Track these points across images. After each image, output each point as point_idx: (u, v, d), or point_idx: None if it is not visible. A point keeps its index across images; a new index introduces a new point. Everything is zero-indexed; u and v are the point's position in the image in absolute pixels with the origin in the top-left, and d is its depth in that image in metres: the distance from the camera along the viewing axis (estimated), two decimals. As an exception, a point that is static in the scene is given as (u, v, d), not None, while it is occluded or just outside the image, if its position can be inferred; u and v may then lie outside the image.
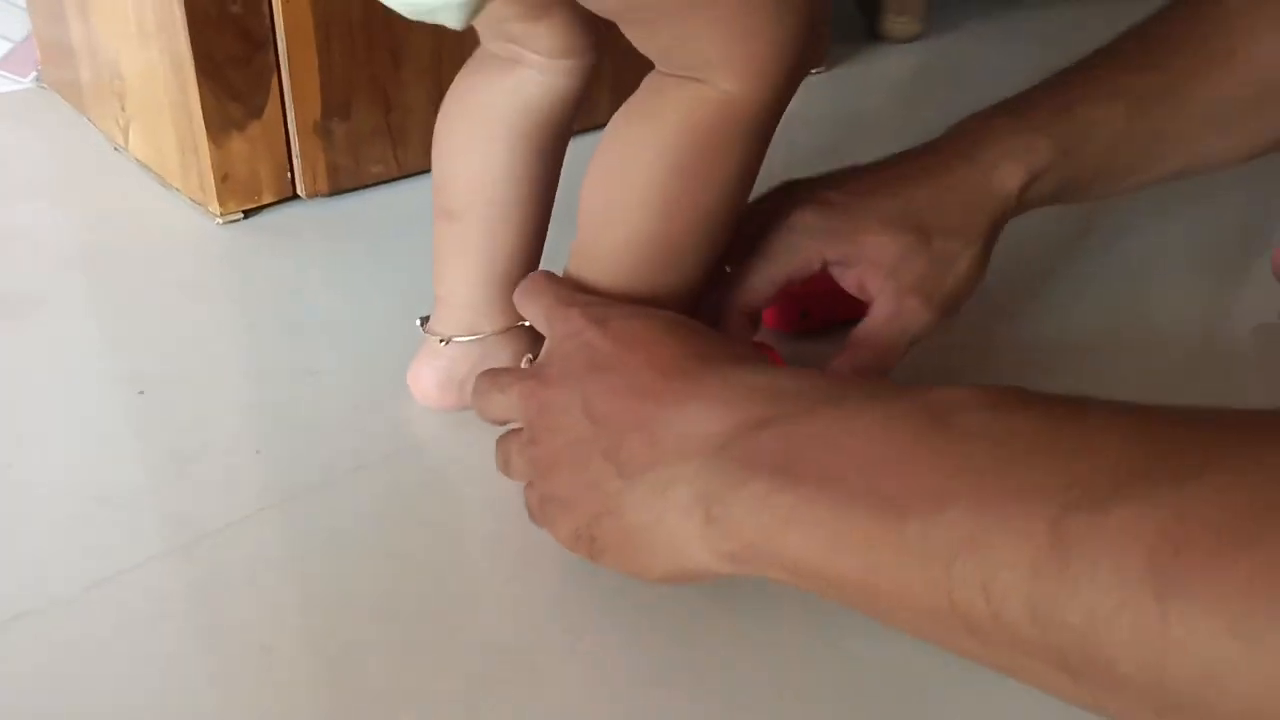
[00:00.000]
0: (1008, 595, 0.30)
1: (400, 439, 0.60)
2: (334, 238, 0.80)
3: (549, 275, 0.54)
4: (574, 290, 0.51)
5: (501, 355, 0.60)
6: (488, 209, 0.58)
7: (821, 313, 0.70)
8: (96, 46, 0.87)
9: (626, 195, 0.50)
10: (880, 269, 0.58)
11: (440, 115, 0.58)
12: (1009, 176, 0.59)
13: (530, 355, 0.60)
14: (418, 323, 0.61)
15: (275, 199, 0.81)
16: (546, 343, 0.51)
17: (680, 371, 0.44)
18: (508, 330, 0.60)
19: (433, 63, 0.82)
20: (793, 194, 0.60)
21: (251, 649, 0.47)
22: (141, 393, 0.62)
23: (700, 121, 0.48)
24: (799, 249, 0.58)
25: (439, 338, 0.60)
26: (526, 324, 0.60)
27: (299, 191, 0.82)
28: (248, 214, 0.81)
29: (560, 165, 0.59)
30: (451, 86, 0.58)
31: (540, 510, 0.49)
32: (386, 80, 0.81)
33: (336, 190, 0.83)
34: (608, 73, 0.91)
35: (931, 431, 0.35)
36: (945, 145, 0.61)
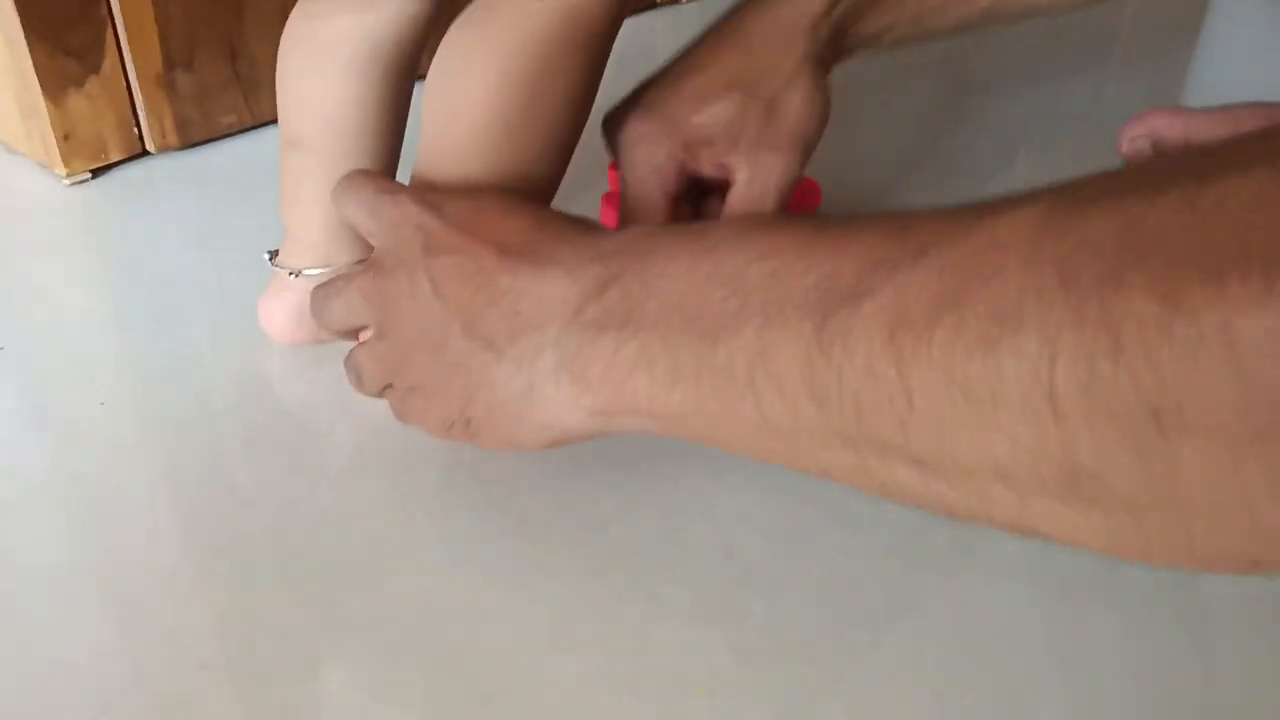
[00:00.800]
0: (797, 394, 0.34)
1: (253, 380, 0.60)
2: (187, 191, 0.79)
3: (364, 171, 0.53)
4: (395, 181, 0.51)
5: None
6: (336, 139, 0.57)
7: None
8: (-70, 14, 0.85)
9: (464, 104, 0.50)
10: (722, 141, 0.59)
11: (282, 42, 0.57)
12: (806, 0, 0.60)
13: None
14: (266, 257, 0.61)
15: (124, 156, 0.80)
16: (376, 234, 0.50)
17: (526, 244, 0.45)
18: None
19: (277, 11, 0.81)
20: (620, 113, 0.60)
21: (103, 600, 0.47)
22: (11, 332, 0.62)
23: (535, 32, 0.48)
24: (649, 160, 0.59)
25: (289, 271, 0.60)
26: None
27: (148, 147, 0.81)
28: (95, 173, 0.79)
29: (410, 91, 0.58)
30: (293, 12, 0.56)
31: (404, 407, 0.49)
32: (231, 30, 0.80)
33: (188, 144, 0.82)
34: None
35: (726, 260, 0.38)
36: (739, 6, 0.62)
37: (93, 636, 0.45)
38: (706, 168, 0.60)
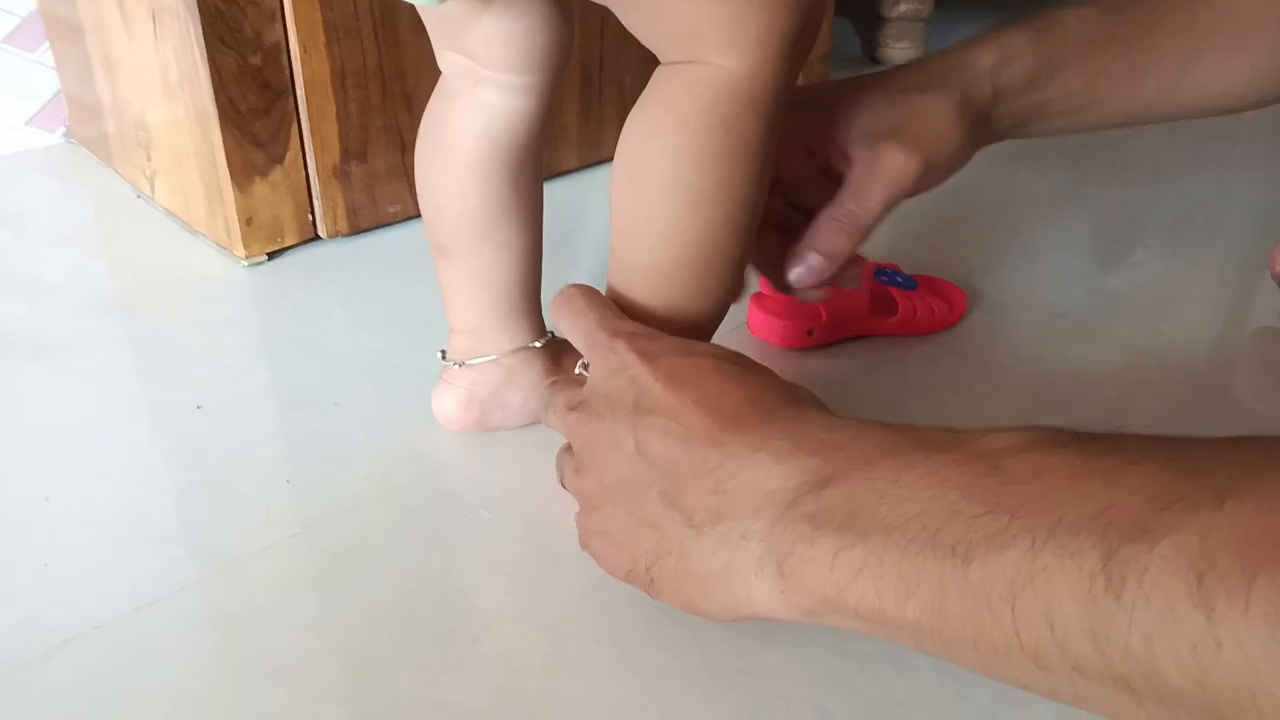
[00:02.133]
0: (1070, 628, 0.32)
1: (423, 462, 0.62)
2: (355, 275, 0.83)
3: (587, 292, 0.54)
4: (616, 314, 0.52)
5: (518, 375, 0.63)
6: (476, 242, 0.60)
7: (827, 330, 0.72)
8: (122, 102, 0.91)
9: (647, 196, 0.51)
10: (852, 127, 0.60)
11: (416, 154, 0.60)
12: (979, 54, 0.61)
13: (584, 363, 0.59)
14: (439, 355, 0.64)
15: (298, 240, 0.85)
16: (590, 372, 0.51)
17: (739, 420, 0.44)
18: (520, 351, 0.62)
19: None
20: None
21: (285, 670, 0.49)
22: (199, 407, 0.65)
23: (705, 104, 0.48)
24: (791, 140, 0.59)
25: (455, 363, 0.63)
26: (540, 344, 0.63)
27: (320, 232, 0.85)
28: (271, 256, 0.84)
29: (540, 183, 0.61)
30: (421, 124, 0.60)
31: (589, 539, 0.50)
32: (401, 123, 0.84)
33: (356, 230, 0.86)
34: (611, 109, 0.94)
35: (983, 478, 0.37)
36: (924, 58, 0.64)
37: (274, 704, 0.47)
38: (833, 156, 0.60)
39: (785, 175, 0.61)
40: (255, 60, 0.78)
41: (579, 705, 0.47)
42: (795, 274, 0.61)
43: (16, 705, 0.47)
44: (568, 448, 0.53)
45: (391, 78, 0.83)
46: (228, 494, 0.60)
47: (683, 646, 0.50)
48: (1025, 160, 0.87)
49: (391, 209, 0.87)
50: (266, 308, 0.79)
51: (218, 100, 0.77)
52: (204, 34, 0.75)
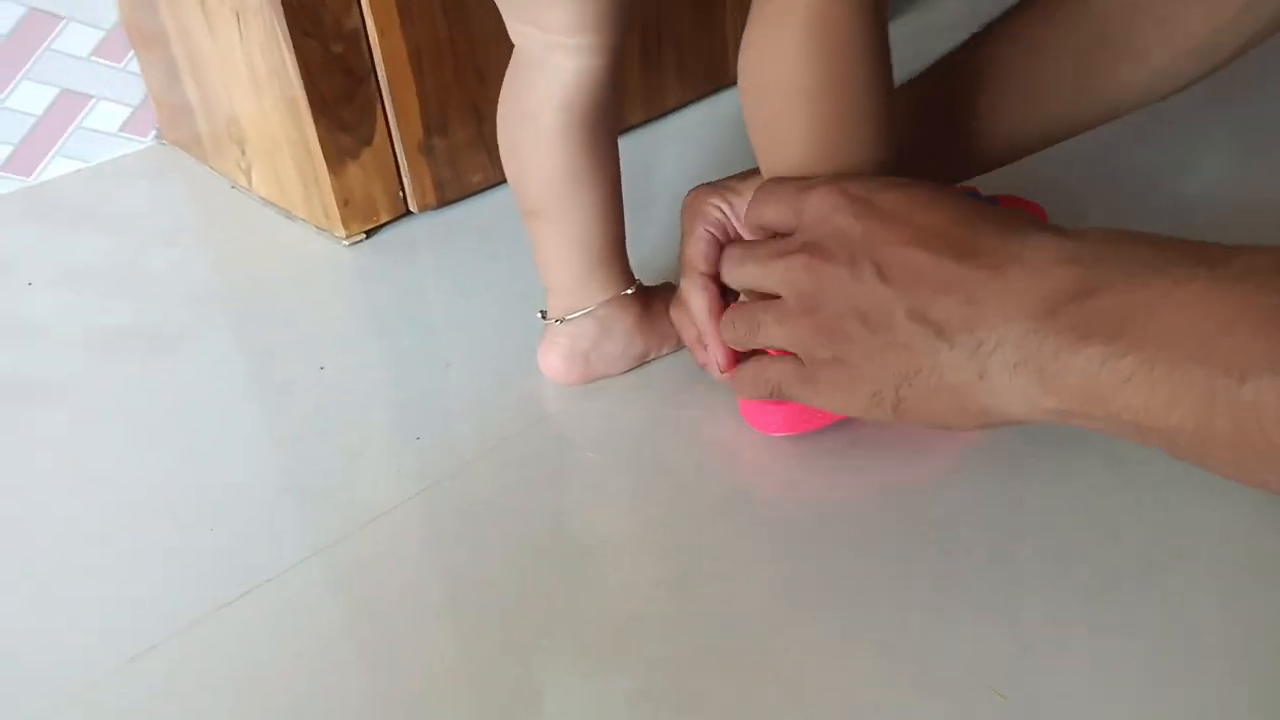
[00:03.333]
0: None
1: (533, 413, 0.67)
2: (448, 245, 0.87)
3: (780, 178, 0.55)
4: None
5: (614, 324, 0.67)
6: (563, 202, 0.63)
7: None
8: (211, 100, 0.96)
9: (771, 107, 0.54)
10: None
11: (498, 123, 0.64)
12: None
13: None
14: (539, 315, 0.68)
15: (391, 217, 0.89)
16: (805, 219, 0.52)
17: (978, 236, 0.46)
18: (612, 300, 0.66)
19: (515, 74, 0.89)
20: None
21: (438, 606, 0.54)
22: (322, 368, 0.70)
23: (801, 8, 0.51)
24: (699, 215, 0.63)
25: (556, 320, 0.67)
26: (631, 291, 0.67)
27: (411, 207, 0.90)
28: (369, 234, 0.88)
29: (615, 138, 0.64)
30: (500, 95, 0.63)
31: (815, 377, 0.51)
32: (476, 96, 0.88)
33: (443, 202, 0.90)
34: (670, 61, 0.97)
35: (1257, 298, 0.38)
36: None
37: (428, 641, 0.52)
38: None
39: None
40: (337, 48, 0.82)
41: (708, 617, 0.52)
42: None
43: (206, 650, 0.53)
44: (746, 306, 0.55)
45: (463, 52, 0.86)
46: (361, 455, 0.65)
47: (799, 559, 0.54)
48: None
49: (475, 179, 0.91)
50: (370, 281, 0.84)
51: (306, 89, 0.81)
52: (288, 27, 0.79)
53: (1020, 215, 0.47)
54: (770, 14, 0.52)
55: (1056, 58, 0.63)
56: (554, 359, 0.67)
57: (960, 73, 0.65)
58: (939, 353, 0.45)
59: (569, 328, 0.67)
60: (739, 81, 0.55)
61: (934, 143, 0.64)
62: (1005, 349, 0.44)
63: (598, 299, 0.66)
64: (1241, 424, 0.37)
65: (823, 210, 0.50)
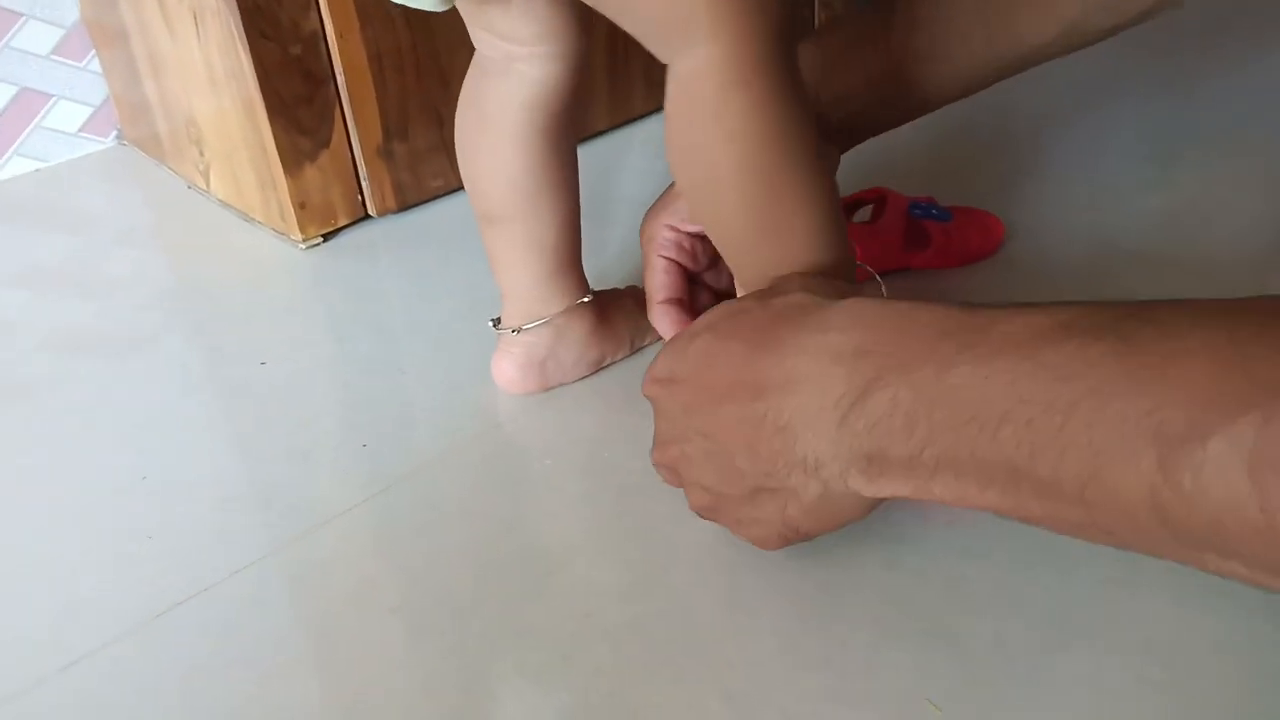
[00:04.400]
0: (1137, 515, 0.36)
1: (488, 419, 0.66)
2: (406, 249, 0.86)
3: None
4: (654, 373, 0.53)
5: (570, 332, 0.66)
6: (521, 208, 0.63)
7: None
8: (170, 101, 0.95)
9: (707, 181, 0.54)
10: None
11: (457, 128, 0.63)
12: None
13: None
14: (490, 324, 0.67)
15: (349, 220, 0.88)
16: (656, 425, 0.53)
17: (757, 363, 0.47)
18: (569, 309, 0.66)
19: (478, 78, 0.89)
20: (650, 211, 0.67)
21: (381, 611, 0.54)
22: (263, 363, 0.69)
23: (709, 88, 0.50)
24: (656, 247, 0.66)
25: (511, 329, 0.66)
26: (588, 299, 0.66)
27: (370, 211, 0.89)
28: (326, 237, 0.88)
29: (575, 145, 0.64)
30: (459, 99, 0.63)
31: (739, 529, 0.52)
32: (438, 100, 0.88)
33: (403, 206, 0.90)
34: (638, 67, 0.97)
35: (1027, 375, 0.39)
36: None
37: (376, 642, 0.52)
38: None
39: None
40: (295, 50, 0.81)
41: (655, 625, 0.51)
42: None
43: (144, 656, 0.52)
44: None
45: (425, 56, 0.86)
46: (309, 460, 0.64)
47: (746, 570, 0.54)
48: (1055, 77, 0.89)
49: (435, 183, 0.91)
50: (326, 286, 0.83)
51: (263, 91, 0.81)
52: (245, 28, 0.78)
53: (799, 304, 0.48)
54: (682, 77, 0.51)
55: (965, 8, 0.65)
56: (508, 369, 0.67)
57: (879, 21, 0.66)
58: (785, 481, 0.47)
59: (524, 337, 0.66)
60: (667, 157, 0.55)
61: (871, 89, 0.66)
62: (828, 464, 0.45)
63: (554, 308, 0.66)
64: (1049, 503, 0.39)
65: (652, 398, 0.53)
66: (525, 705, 0.48)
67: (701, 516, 0.53)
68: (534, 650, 0.51)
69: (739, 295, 0.56)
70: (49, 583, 0.57)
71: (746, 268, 0.55)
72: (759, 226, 0.53)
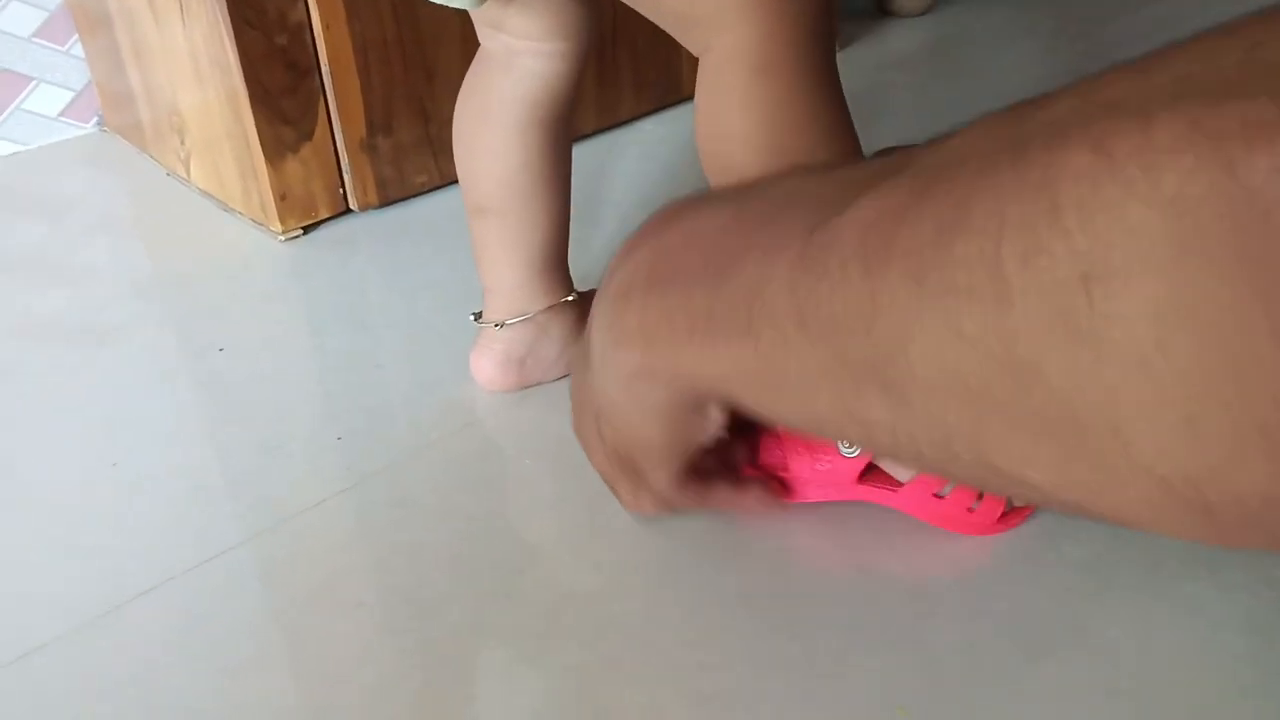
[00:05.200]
0: (784, 322, 0.33)
1: (463, 416, 0.66)
2: (387, 244, 0.86)
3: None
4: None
5: (552, 330, 0.66)
6: (514, 201, 0.63)
7: None
8: (153, 89, 0.94)
9: (737, 159, 0.52)
10: None
11: (455, 119, 0.63)
12: None
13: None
14: (471, 318, 0.67)
15: (330, 214, 0.88)
16: None
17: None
18: (553, 307, 0.65)
19: (463, 76, 0.88)
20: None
21: (348, 605, 0.53)
22: (222, 349, 0.69)
23: (740, 70, 0.50)
24: None
25: (493, 324, 0.66)
26: (571, 298, 0.66)
27: (351, 205, 0.88)
28: (306, 230, 0.87)
29: (570, 144, 0.64)
30: (461, 89, 0.63)
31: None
32: (423, 95, 0.87)
33: (385, 202, 0.89)
34: (627, 71, 0.97)
35: (737, 209, 0.38)
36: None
37: (341, 636, 0.51)
38: None
39: None
40: (281, 40, 0.80)
41: (622, 624, 0.51)
42: None
43: (102, 649, 0.51)
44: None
45: (412, 50, 0.85)
46: (281, 453, 0.63)
47: (717, 573, 0.53)
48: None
49: (419, 179, 0.90)
50: (304, 279, 0.82)
51: (247, 81, 0.80)
52: (230, 17, 0.78)
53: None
54: (712, 66, 0.51)
55: None
56: (487, 365, 0.66)
57: None
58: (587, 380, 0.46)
59: (506, 333, 0.66)
60: (698, 145, 0.54)
61: None
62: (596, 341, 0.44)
63: (538, 305, 0.65)
64: (727, 335, 0.36)
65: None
66: (493, 701, 0.48)
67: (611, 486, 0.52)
68: (503, 647, 0.50)
69: None
70: (11, 566, 0.56)
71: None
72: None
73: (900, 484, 0.54)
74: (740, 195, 0.39)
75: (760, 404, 0.37)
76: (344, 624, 0.52)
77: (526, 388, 0.67)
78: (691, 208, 0.41)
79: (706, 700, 0.47)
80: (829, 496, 0.55)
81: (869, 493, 0.55)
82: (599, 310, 0.43)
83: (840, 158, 0.52)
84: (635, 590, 0.53)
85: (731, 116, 0.51)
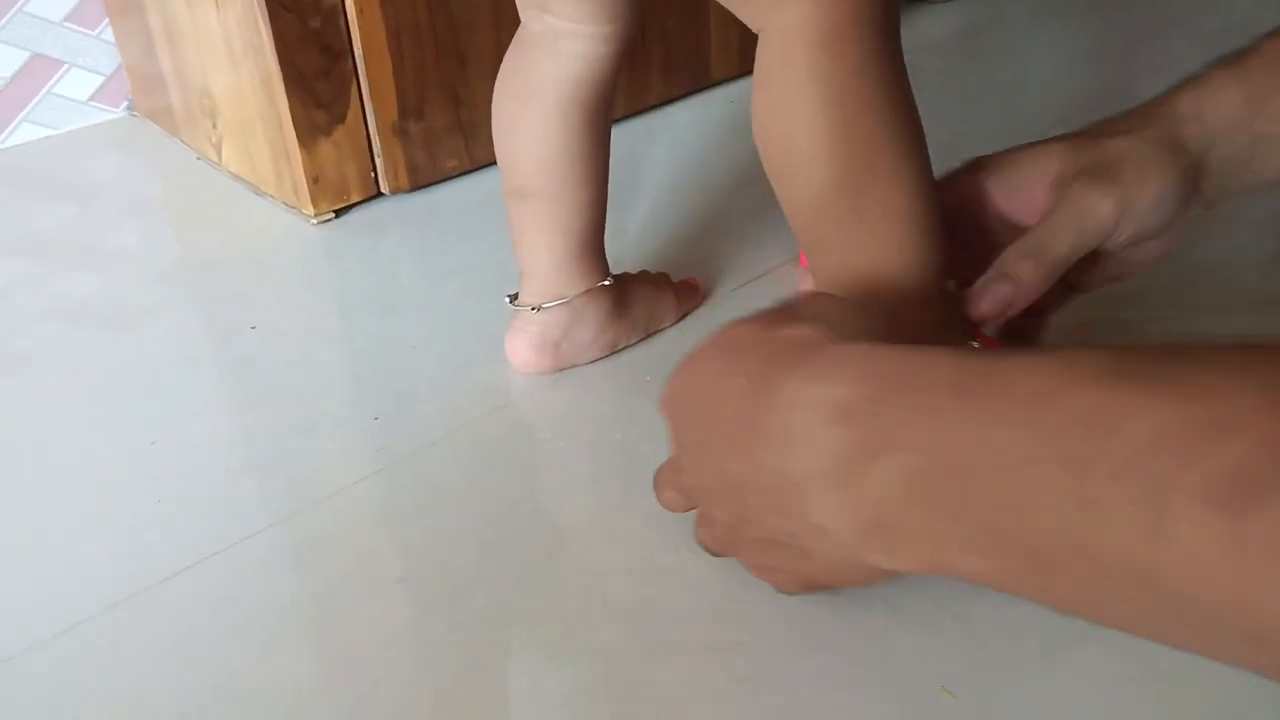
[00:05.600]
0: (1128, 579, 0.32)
1: (497, 398, 0.66)
2: (418, 228, 0.86)
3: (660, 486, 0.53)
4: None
5: (588, 314, 0.66)
6: (554, 184, 0.62)
7: None
8: (185, 72, 0.94)
9: (801, 148, 0.50)
10: (1038, 177, 0.55)
11: (495, 99, 0.63)
12: (1177, 99, 0.54)
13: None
14: (507, 300, 0.67)
15: (362, 197, 0.88)
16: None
17: (756, 418, 0.43)
18: (589, 291, 0.65)
19: (496, 60, 0.87)
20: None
21: (383, 585, 0.53)
22: (253, 327, 0.69)
23: (810, 46, 0.48)
24: (963, 180, 0.57)
25: (530, 307, 0.66)
26: (608, 282, 0.66)
27: (383, 189, 0.88)
28: (338, 213, 0.87)
29: (610, 128, 0.64)
30: (500, 70, 0.62)
31: (754, 572, 0.50)
32: (455, 80, 0.87)
33: (416, 186, 0.89)
34: (656, 56, 0.96)
35: (1050, 442, 0.34)
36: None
37: (382, 613, 0.51)
38: (1016, 206, 0.56)
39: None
40: (315, 23, 0.80)
41: (657, 604, 0.51)
42: (983, 304, 0.54)
43: (145, 622, 0.51)
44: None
45: (444, 35, 0.85)
46: (314, 435, 0.64)
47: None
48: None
49: (449, 164, 0.90)
50: (337, 261, 0.82)
51: (282, 64, 0.80)
52: (265, 1, 0.78)
53: (803, 341, 0.44)
54: (774, 42, 0.49)
55: None
56: (522, 348, 0.66)
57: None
58: (802, 539, 0.43)
59: (542, 316, 0.66)
60: (756, 128, 0.52)
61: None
62: (837, 532, 0.41)
63: (575, 289, 0.65)
64: (1035, 562, 0.35)
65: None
66: (528, 682, 0.48)
67: (709, 551, 0.51)
68: (538, 628, 0.50)
69: (811, 287, 0.53)
70: (47, 549, 0.57)
71: (822, 257, 0.53)
72: (844, 208, 0.50)
73: None
74: (1036, 405, 0.35)
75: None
76: (381, 602, 0.52)
77: (561, 370, 0.67)
78: (938, 408, 0.38)
79: (743, 680, 0.47)
80: None
81: None
82: (828, 503, 0.41)
83: (918, 154, 0.50)
84: (669, 570, 0.53)
85: (793, 94, 0.49)
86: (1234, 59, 0.55)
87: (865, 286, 0.52)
